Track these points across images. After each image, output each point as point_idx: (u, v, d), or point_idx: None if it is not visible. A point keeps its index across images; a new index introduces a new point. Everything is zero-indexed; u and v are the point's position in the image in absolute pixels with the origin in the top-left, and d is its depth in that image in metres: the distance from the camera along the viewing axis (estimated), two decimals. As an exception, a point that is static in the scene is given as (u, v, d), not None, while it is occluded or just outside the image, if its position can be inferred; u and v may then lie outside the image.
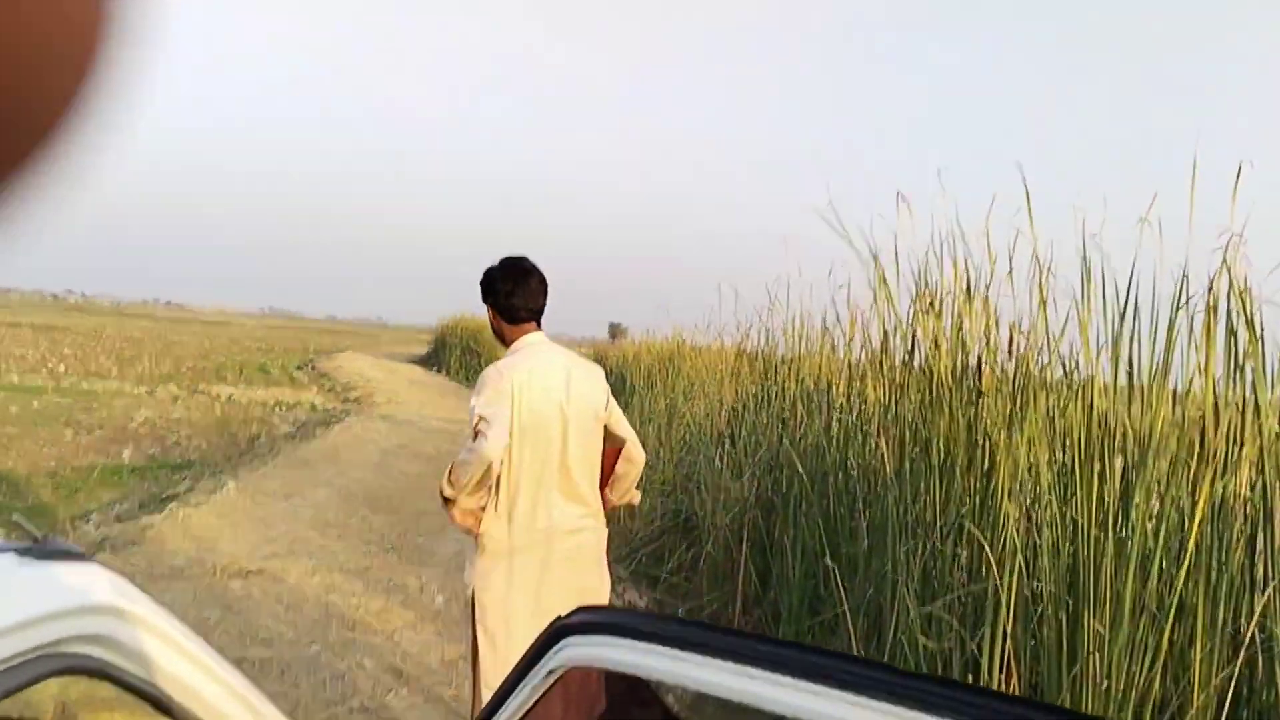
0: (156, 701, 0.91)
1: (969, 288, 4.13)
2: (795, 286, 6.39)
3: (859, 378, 5.02)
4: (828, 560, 4.19)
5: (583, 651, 1.01)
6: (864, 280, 4.93)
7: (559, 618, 1.07)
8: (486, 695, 2.75)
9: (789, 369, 6.05)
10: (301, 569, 5.89)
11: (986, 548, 3.17)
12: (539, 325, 3.01)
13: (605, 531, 3.03)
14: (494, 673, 2.74)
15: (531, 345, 2.95)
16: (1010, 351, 3.97)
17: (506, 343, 3.01)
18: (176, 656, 0.94)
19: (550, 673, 1.05)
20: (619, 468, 3.06)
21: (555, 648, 1.04)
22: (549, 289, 3.02)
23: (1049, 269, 3.70)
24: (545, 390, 2.84)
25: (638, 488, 3.22)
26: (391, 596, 5.43)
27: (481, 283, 3.01)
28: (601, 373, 3.07)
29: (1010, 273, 3.99)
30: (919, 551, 3.63)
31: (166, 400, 15.93)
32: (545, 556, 2.83)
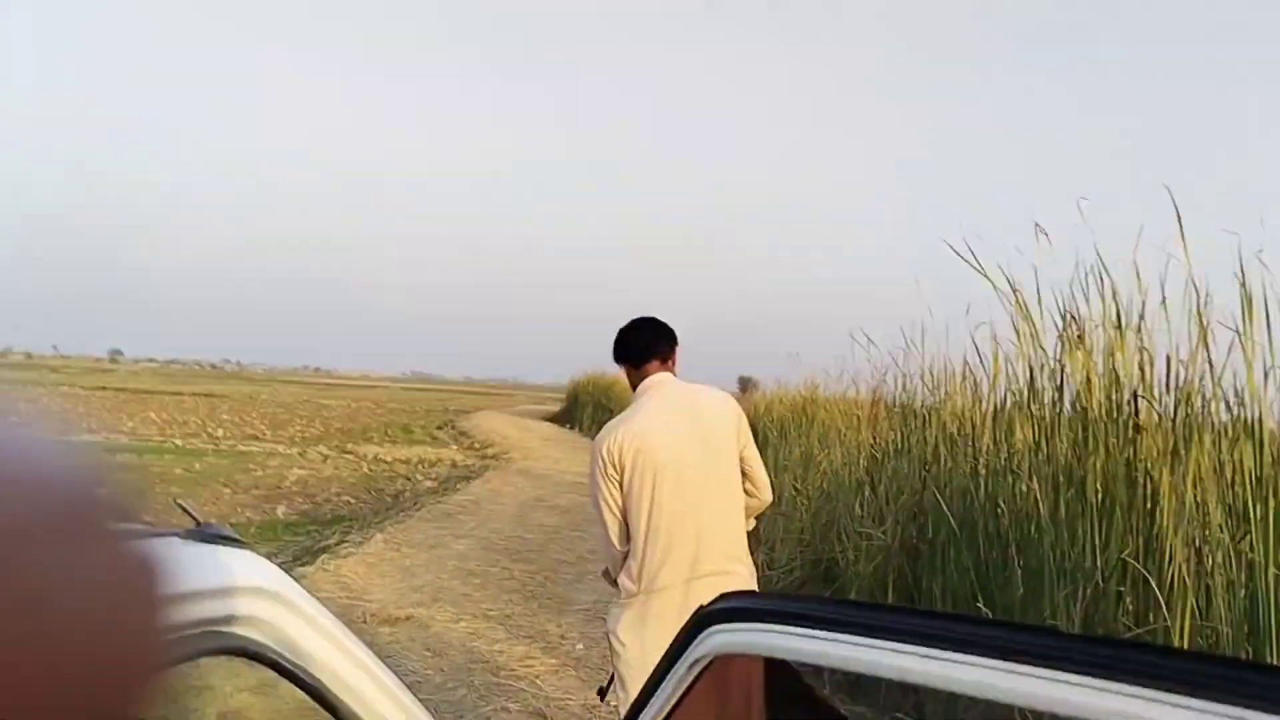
0: (312, 688, 0.95)
1: (1119, 319, 3.96)
2: (931, 329, 6.24)
3: (1005, 419, 4.86)
4: (980, 606, 4.03)
5: (729, 639, 1.01)
6: (1004, 318, 4.78)
7: (701, 607, 1.08)
8: None
9: (929, 413, 5.90)
10: (446, 616, 6.05)
11: (1155, 587, 3.00)
12: (664, 366, 2.97)
13: (752, 568, 2.92)
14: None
15: (653, 388, 2.91)
16: (1169, 385, 3.78)
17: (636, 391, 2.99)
18: (332, 647, 0.98)
19: (695, 663, 1.05)
20: (748, 503, 2.98)
21: (699, 637, 1.04)
22: (675, 338, 3.01)
23: (1207, 295, 3.53)
24: (664, 435, 2.78)
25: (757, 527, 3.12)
26: (533, 643, 5.51)
27: (614, 346, 3.03)
28: (731, 401, 2.96)
29: (1164, 302, 3.82)
30: (1079, 596, 3.46)
31: (317, 460, 16.71)
32: (684, 600, 2.71)
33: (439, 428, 28.33)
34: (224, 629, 0.82)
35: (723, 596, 1.06)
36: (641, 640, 2.71)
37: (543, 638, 5.67)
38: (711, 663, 1.05)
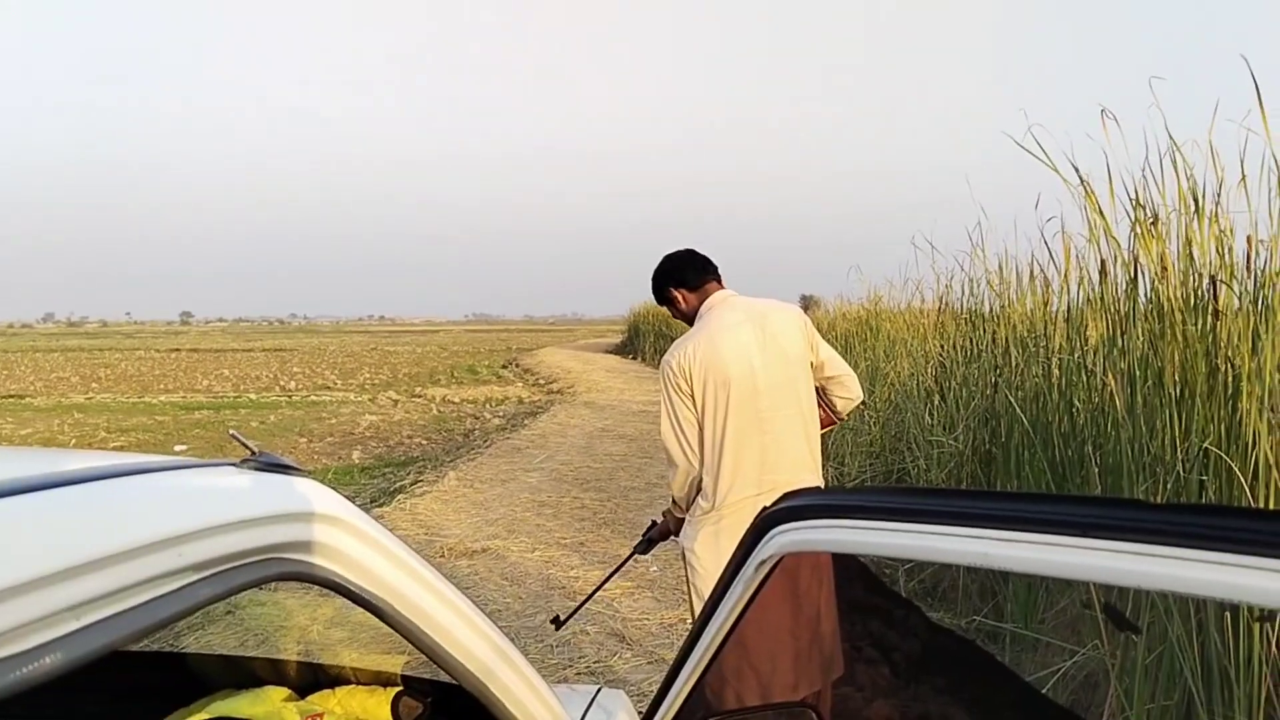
0: (381, 611, 0.96)
1: (1197, 200, 3.80)
2: (996, 229, 6.06)
3: (1077, 317, 4.73)
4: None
5: (794, 537, 1.00)
6: (1074, 211, 4.63)
7: (765, 508, 1.07)
8: None
9: (998, 317, 5.77)
10: (521, 546, 6.18)
11: (1238, 473, 2.92)
12: (720, 283, 2.97)
13: (822, 480, 2.96)
14: None
15: (718, 304, 2.90)
16: (1249, 268, 3.62)
17: (695, 316, 2.96)
18: (395, 568, 0.98)
19: (763, 563, 1.04)
20: (837, 406, 3.01)
21: (765, 538, 1.04)
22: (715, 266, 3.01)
23: (1290, 168, 3.35)
24: (734, 348, 2.78)
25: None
26: (609, 567, 5.59)
27: (653, 285, 3.02)
28: (798, 312, 2.93)
29: (1243, 180, 3.65)
30: (1160, 488, 3.39)
31: (387, 405, 17.07)
32: (755, 512, 2.78)
33: (503, 366, 28.71)
34: (285, 555, 0.83)
35: (786, 496, 1.05)
36: (717, 555, 2.75)
37: (616, 562, 5.75)
38: (779, 561, 1.04)
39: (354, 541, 0.92)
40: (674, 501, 3.03)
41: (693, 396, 2.81)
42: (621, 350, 32.08)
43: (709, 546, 2.80)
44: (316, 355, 37.75)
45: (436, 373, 26.27)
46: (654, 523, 3.31)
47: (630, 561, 3.51)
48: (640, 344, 29.39)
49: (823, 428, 3.00)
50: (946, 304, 7.19)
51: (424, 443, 12.40)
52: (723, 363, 2.76)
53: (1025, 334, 5.30)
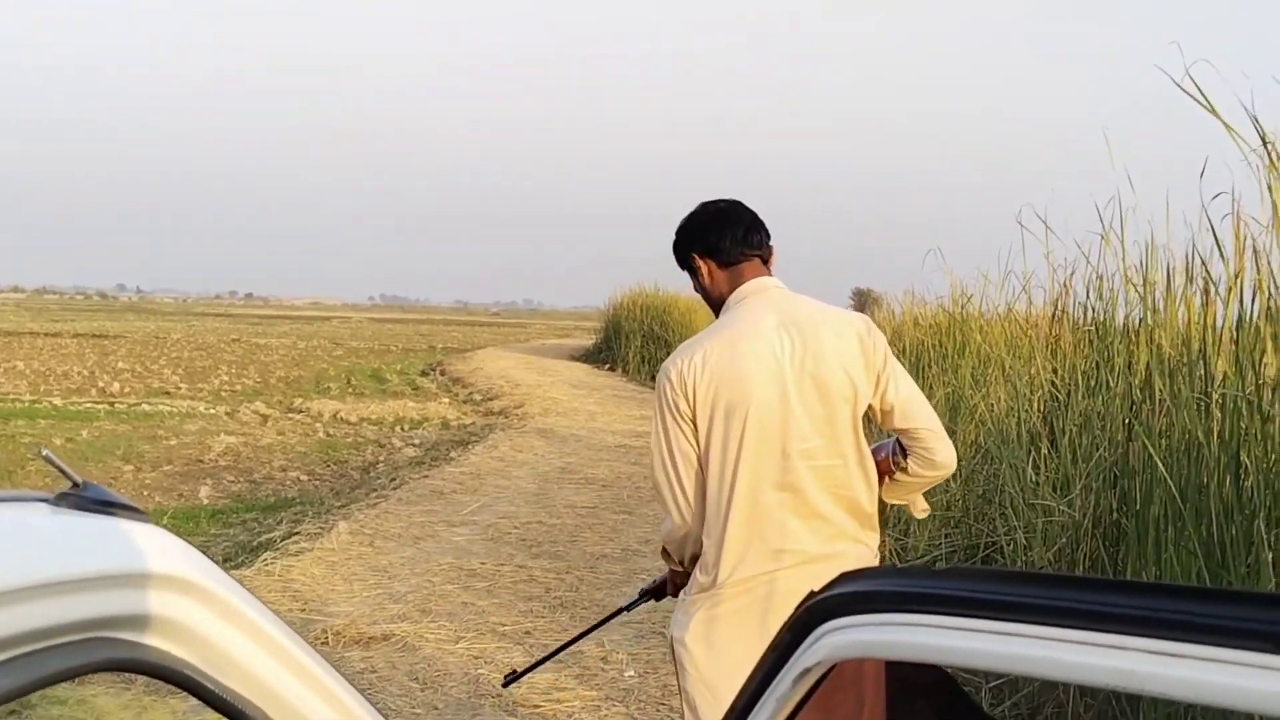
0: (240, 715, 0.94)
1: None
2: (1141, 207, 6.05)
3: (1250, 335, 4.75)
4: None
5: (852, 637, 0.99)
6: (1251, 187, 4.65)
7: (812, 594, 1.05)
8: None
9: (1136, 334, 5.80)
10: (441, 634, 6.17)
11: None
12: (765, 267, 3.01)
13: (874, 548, 2.96)
14: None
15: (751, 296, 2.93)
16: None
17: (722, 304, 3.01)
18: (268, 656, 0.98)
19: (806, 673, 1.03)
20: (909, 470, 2.98)
21: (811, 637, 1.02)
22: (767, 230, 3.04)
23: None
24: (760, 363, 2.81)
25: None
26: (564, 669, 5.58)
27: (679, 235, 3.07)
28: (862, 326, 2.94)
29: None
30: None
31: (253, 422, 17.06)
32: (768, 596, 2.80)
33: (422, 373, 28.71)
34: (113, 633, 0.82)
35: (843, 578, 1.04)
36: (711, 651, 2.82)
37: (577, 661, 5.74)
38: (829, 671, 1.02)
39: (211, 617, 0.92)
40: (664, 552, 3.11)
41: (694, 423, 2.85)
42: (593, 357, 32.04)
43: (702, 639, 2.84)
44: (153, 346, 37.62)
45: (325, 378, 26.25)
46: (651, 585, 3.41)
47: (619, 617, 3.64)
48: (621, 349, 29.36)
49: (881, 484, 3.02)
50: (1063, 310, 7.22)
51: (304, 478, 12.40)
52: (742, 381, 2.79)
53: (1175, 358, 5.32)
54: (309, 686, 1.01)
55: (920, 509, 3.22)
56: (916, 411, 2.92)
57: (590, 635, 6.05)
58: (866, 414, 2.95)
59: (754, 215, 3.02)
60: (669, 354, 3.09)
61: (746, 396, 2.78)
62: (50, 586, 0.74)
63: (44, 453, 0.95)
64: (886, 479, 3.01)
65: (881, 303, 17.85)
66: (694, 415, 2.84)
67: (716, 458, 2.82)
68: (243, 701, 0.93)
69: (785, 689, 1.06)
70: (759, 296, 2.91)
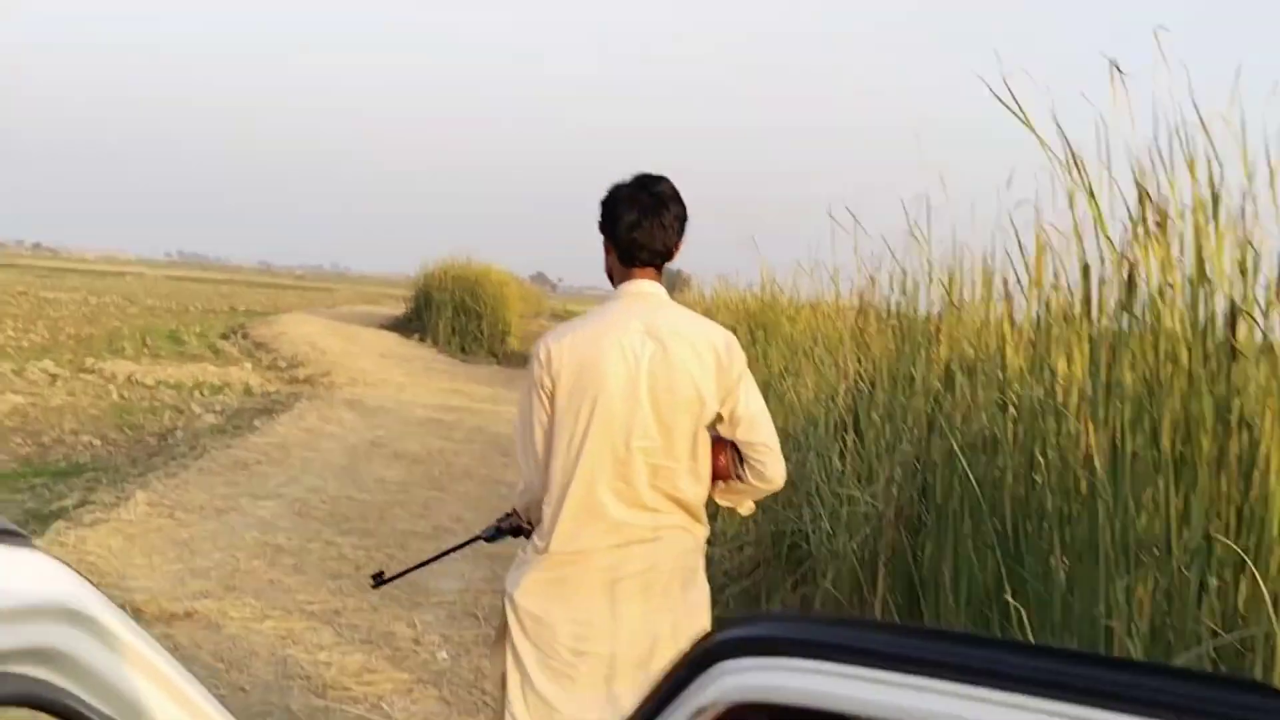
0: None
1: (1214, 199, 4.05)
2: (949, 208, 6.26)
3: (1047, 336, 4.96)
4: (1009, 598, 4.17)
5: (748, 680, 1.01)
6: (1054, 194, 4.84)
7: (707, 634, 1.07)
8: None
9: (938, 328, 6.00)
10: (246, 612, 6.04)
11: (1257, 575, 3.13)
12: (659, 271, 3.22)
13: (699, 537, 3.21)
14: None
15: (630, 295, 3.17)
16: (1278, 295, 3.90)
17: (615, 287, 3.26)
18: (147, 681, 0.96)
19: (700, 712, 1.04)
20: (744, 479, 3.21)
21: (705, 676, 1.04)
22: (686, 226, 3.21)
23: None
24: (620, 356, 3.03)
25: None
26: (375, 650, 5.55)
27: (602, 203, 3.21)
28: (721, 344, 3.11)
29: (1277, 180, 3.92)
30: (1149, 584, 3.60)
31: (42, 381, 16.31)
32: (596, 569, 3.07)
33: (223, 336, 27.84)
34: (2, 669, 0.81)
35: (741, 620, 1.05)
36: (547, 607, 3.07)
37: (388, 642, 5.71)
38: (723, 716, 1.04)
39: (97, 645, 0.90)
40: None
41: (553, 398, 3.08)
42: (403, 327, 31.54)
43: (538, 596, 3.09)
44: (-70, 296, 35.68)
45: (119, 338, 25.25)
46: (511, 513, 3.46)
47: (471, 546, 3.70)
48: (432, 319, 29.00)
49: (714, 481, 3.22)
50: (869, 303, 7.42)
51: (97, 444, 11.92)
52: (597, 371, 3.03)
53: (976, 354, 5.53)
54: (190, 714, 1.00)
55: (746, 509, 3.47)
56: (759, 428, 3.16)
57: (399, 615, 6.05)
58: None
59: (672, 220, 3.15)
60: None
61: (598, 386, 3.00)
62: None
63: None
64: (721, 482, 3.21)
65: (691, 284, 18.07)
66: (553, 393, 3.06)
67: (564, 436, 3.05)
68: None
69: None
70: (635, 299, 3.14)
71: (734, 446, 3.17)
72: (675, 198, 3.17)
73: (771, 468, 3.17)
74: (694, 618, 3.15)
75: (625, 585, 3.06)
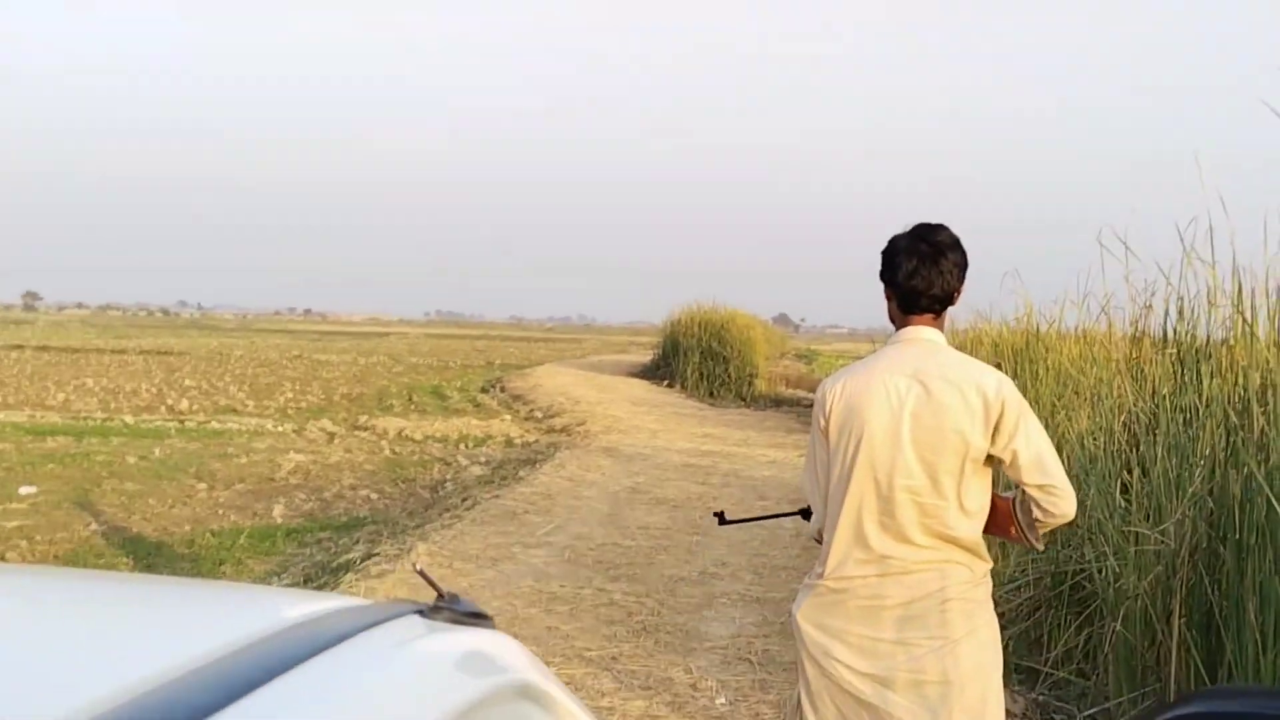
0: None
1: None
2: (1229, 226, 5.94)
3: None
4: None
5: None
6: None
7: (1155, 705, 1.02)
8: None
9: (1223, 356, 5.72)
10: (526, 659, 6.13)
11: None
12: (939, 317, 3.38)
13: (976, 572, 3.29)
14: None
15: (905, 341, 3.35)
16: None
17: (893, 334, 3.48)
18: None
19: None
20: (1036, 518, 3.30)
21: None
22: (966, 272, 3.37)
23: None
24: (885, 399, 3.24)
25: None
26: (655, 696, 5.57)
27: (883, 254, 3.38)
28: (990, 389, 3.21)
29: None
30: None
31: (320, 440, 17.17)
32: (864, 594, 3.28)
33: (483, 390, 28.79)
34: None
35: (1195, 696, 1.00)
36: (821, 631, 3.32)
37: (667, 688, 5.73)
38: None
39: None
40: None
41: (827, 435, 3.37)
42: (652, 373, 32.00)
43: (811, 619, 3.36)
44: (217, 362, 38.05)
45: (388, 395, 26.40)
46: None
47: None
48: (680, 366, 29.30)
49: (998, 530, 3.40)
50: (1144, 331, 7.12)
51: (374, 497, 12.46)
52: (865, 412, 3.25)
53: (1269, 380, 5.23)
54: None
55: (1038, 543, 3.47)
56: (1045, 469, 3.21)
57: (675, 661, 6.08)
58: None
59: (950, 266, 3.30)
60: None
61: (862, 427, 3.24)
62: (437, 701, 0.76)
63: (416, 568, 1.00)
64: (1011, 528, 3.37)
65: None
66: (827, 429, 3.35)
67: (836, 472, 3.32)
68: None
69: None
70: (909, 344, 3.32)
71: (1022, 493, 3.25)
72: (954, 245, 3.31)
73: (1062, 506, 3.23)
74: (975, 649, 3.25)
75: (888, 614, 3.23)
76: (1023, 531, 3.34)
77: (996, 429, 3.17)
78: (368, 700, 0.72)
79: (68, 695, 0.62)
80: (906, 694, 3.19)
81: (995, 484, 3.39)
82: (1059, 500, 3.21)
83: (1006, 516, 3.32)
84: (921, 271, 3.26)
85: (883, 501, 3.23)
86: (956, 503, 3.22)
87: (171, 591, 0.93)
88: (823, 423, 3.36)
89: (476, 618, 0.95)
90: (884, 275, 3.37)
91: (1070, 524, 6.63)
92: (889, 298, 3.38)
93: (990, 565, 3.38)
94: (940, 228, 3.33)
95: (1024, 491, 3.25)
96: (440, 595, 0.96)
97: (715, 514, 4.17)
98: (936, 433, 3.18)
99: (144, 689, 0.62)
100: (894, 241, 3.35)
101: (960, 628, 3.22)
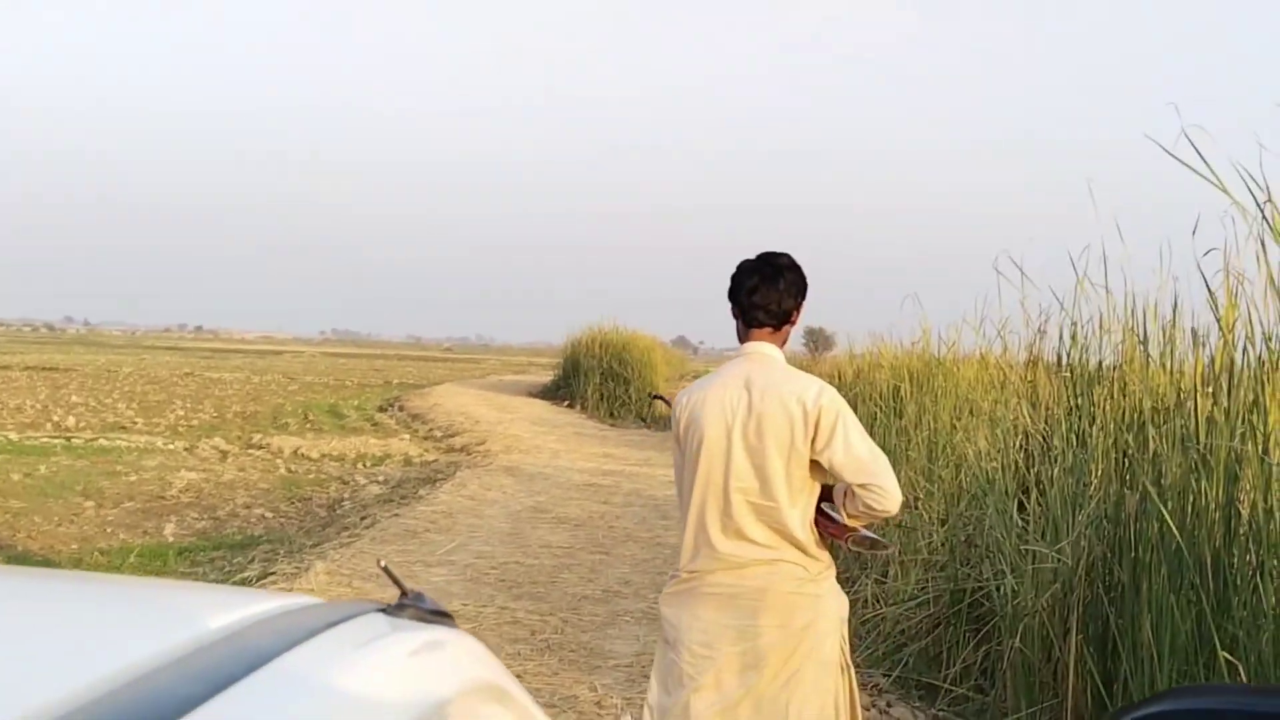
0: None
1: None
2: (1124, 258, 6.09)
3: (1245, 386, 4.79)
4: (1222, 653, 4.00)
5: None
6: (1242, 242, 4.70)
7: (1118, 711, 1.02)
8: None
9: (1113, 381, 5.86)
10: (429, 679, 6.07)
11: None
12: (776, 332, 3.72)
13: (809, 569, 3.56)
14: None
15: (742, 356, 3.71)
16: None
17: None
18: None
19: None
20: (856, 513, 3.57)
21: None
22: (805, 292, 3.73)
23: None
24: (719, 409, 3.58)
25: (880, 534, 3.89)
26: (560, 714, 5.54)
27: (731, 277, 3.73)
28: (810, 398, 3.51)
29: None
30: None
31: (212, 458, 16.84)
32: (714, 585, 3.58)
33: (380, 409, 28.48)
34: None
35: (1154, 699, 1.01)
36: (679, 617, 3.62)
37: (572, 706, 5.72)
38: None
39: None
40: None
41: (679, 443, 3.74)
42: (552, 394, 31.96)
43: (668, 604, 3.69)
44: (105, 379, 37.12)
45: (283, 413, 25.99)
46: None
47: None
48: (580, 387, 29.31)
49: (831, 534, 3.65)
50: (1039, 355, 7.27)
51: (269, 515, 12.24)
52: (703, 421, 3.60)
53: (1160, 404, 5.36)
54: None
55: (858, 532, 3.71)
56: (864, 468, 3.48)
57: (579, 679, 6.05)
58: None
59: (787, 287, 3.67)
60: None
61: (701, 436, 3.58)
62: (431, 709, 0.75)
63: (382, 564, 1.00)
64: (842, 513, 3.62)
65: (834, 342, 17.94)
66: (678, 438, 3.73)
67: (685, 477, 3.68)
68: None
69: None
70: (747, 359, 3.67)
71: (847, 493, 3.54)
72: (792, 267, 3.69)
73: (884, 503, 3.48)
74: (811, 640, 3.53)
75: (731, 603, 3.54)
76: (842, 521, 3.61)
77: (816, 434, 3.47)
78: (335, 697, 0.70)
79: (18, 697, 0.60)
80: (741, 675, 3.51)
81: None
82: (881, 498, 3.46)
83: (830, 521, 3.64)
84: (761, 289, 3.63)
85: (721, 503, 3.54)
86: (787, 503, 3.51)
87: (121, 589, 0.90)
88: (675, 430, 3.74)
89: (439, 616, 0.94)
90: (730, 295, 3.72)
91: (965, 545, 6.83)
92: (735, 316, 3.74)
93: (826, 563, 3.63)
94: (781, 254, 3.72)
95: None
96: (404, 593, 0.95)
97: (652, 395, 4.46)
98: (762, 438, 3.50)
99: (103, 689, 0.60)
100: (740, 265, 3.71)
101: (799, 619, 3.50)
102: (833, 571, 3.69)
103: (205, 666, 0.65)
